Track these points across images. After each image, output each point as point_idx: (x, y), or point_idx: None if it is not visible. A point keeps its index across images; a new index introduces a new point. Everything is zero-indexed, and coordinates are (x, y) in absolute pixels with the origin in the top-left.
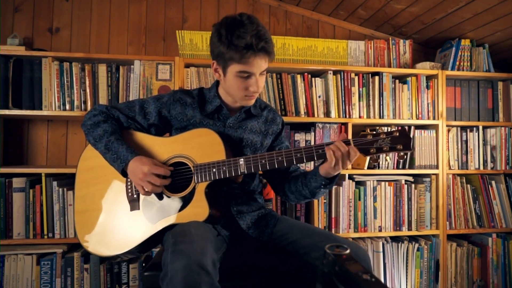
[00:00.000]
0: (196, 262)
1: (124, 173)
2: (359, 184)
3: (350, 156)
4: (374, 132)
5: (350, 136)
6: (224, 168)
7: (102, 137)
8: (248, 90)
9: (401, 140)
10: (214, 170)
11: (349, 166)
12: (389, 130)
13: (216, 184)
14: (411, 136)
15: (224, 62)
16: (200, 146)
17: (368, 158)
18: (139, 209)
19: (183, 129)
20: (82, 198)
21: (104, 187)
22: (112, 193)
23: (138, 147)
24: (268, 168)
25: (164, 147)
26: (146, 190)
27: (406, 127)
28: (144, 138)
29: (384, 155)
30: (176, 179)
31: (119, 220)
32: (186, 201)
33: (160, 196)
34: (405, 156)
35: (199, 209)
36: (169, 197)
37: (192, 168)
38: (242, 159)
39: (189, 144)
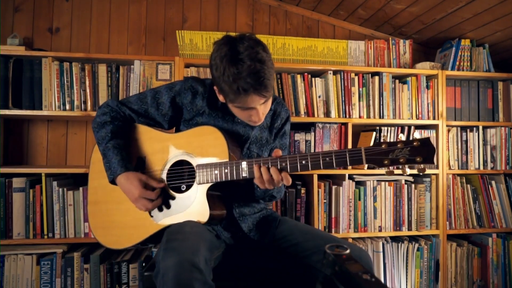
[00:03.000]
0: (187, 260)
1: (114, 183)
2: (359, 184)
3: (274, 181)
4: (391, 141)
5: (350, 136)
6: (226, 170)
7: (103, 140)
8: (251, 118)
9: (422, 152)
10: (216, 172)
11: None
12: (409, 139)
13: (219, 185)
14: (434, 145)
15: (222, 94)
16: (204, 144)
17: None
18: None
19: (191, 119)
20: (94, 189)
21: None
22: None
23: (144, 143)
24: None
25: (170, 143)
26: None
27: (406, 128)
28: (150, 134)
29: (400, 167)
30: (180, 178)
31: (126, 215)
32: (188, 202)
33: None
34: (425, 170)
35: (200, 210)
36: (173, 196)
37: (195, 168)
38: (244, 162)
39: (194, 142)
